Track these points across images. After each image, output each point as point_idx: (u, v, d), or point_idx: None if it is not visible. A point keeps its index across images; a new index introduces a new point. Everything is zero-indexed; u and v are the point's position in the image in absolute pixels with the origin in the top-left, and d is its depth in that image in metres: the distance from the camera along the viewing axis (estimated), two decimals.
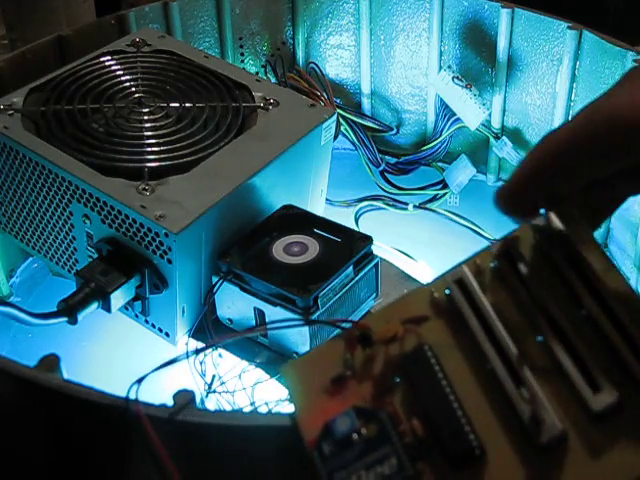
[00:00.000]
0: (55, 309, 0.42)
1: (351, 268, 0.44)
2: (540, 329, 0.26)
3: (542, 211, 0.28)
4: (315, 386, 0.27)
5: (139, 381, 0.27)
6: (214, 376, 0.41)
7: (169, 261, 0.42)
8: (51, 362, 0.29)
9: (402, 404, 0.26)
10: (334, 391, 0.27)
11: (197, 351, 0.37)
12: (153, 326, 0.46)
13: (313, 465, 0.25)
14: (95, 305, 0.42)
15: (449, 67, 0.62)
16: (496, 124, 0.62)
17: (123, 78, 0.51)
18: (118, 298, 0.43)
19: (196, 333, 0.46)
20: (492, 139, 0.62)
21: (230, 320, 0.46)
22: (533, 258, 0.28)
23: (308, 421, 0.27)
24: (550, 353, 0.26)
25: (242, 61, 0.65)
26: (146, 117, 0.48)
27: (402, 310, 0.28)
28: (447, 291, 0.28)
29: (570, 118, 0.49)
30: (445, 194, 0.61)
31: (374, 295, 0.47)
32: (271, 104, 0.50)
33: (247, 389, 0.40)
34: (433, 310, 0.28)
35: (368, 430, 0.25)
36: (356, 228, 0.58)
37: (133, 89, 0.50)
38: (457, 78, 0.60)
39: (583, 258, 0.27)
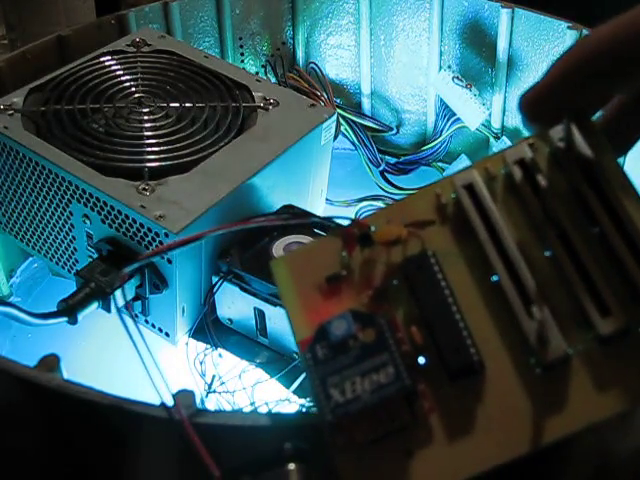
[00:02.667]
0: (55, 309, 0.42)
1: None
2: (550, 243, 0.25)
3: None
4: (308, 283, 0.26)
5: None
6: (214, 376, 0.41)
7: (169, 261, 0.42)
8: (51, 362, 0.29)
9: (400, 310, 0.25)
10: (328, 291, 0.26)
11: None
12: (153, 326, 0.46)
13: (305, 365, 0.25)
14: (95, 305, 0.42)
15: (449, 67, 0.62)
16: (496, 124, 0.62)
17: (123, 78, 0.51)
18: (118, 298, 0.43)
19: (196, 333, 0.46)
20: (492, 139, 0.62)
21: (230, 320, 0.46)
22: (547, 169, 0.26)
23: (300, 320, 0.26)
24: (559, 269, 0.24)
25: (242, 61, 0.65)
26: (146, 117, 0.48)
27: (405, 211, 0.26)
28: (453, 195, 0.26)
29: None
30: None
31: None
32: (271, 104, 0.50)
33: (247, 389, 0.41)
34: (438, 215, 0.26)
35: (365, 335, 0.24)
36: None
37: (133, 89, 0.50)
38: (457, 78, 0.60)
39: (601, 175, 0.25)
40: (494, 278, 0.25)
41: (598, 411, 0.23)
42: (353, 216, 0.60)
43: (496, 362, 0.24)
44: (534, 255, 0.25)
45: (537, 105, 0.27)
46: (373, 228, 0.26)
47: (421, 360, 0.24)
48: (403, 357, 0.24)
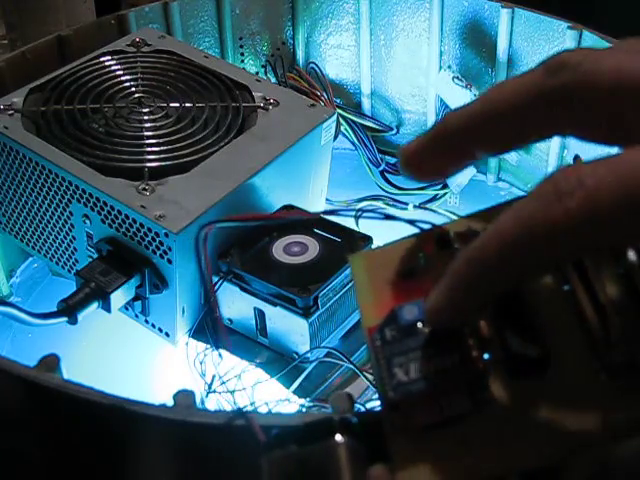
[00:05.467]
0: (55, 309, 0.42)
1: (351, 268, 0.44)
2: (625, 263, 0.24)
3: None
4: (382, 278, 0.27)
5: None
6: (214, 376, 0.41)
7: (169, 261, 0.42)
8: (51, 362, 0.29)
9: None
10: (402, 285, 0.26)
11: None
12: (153, 326, 0.46)
13: (372, 349, 0.25)
14: (95, 305, 0.42)
15: (449, 67, 0.62)
16: None
17: (123, 78, 0.51)
18: (118, 298, 0.43)
19: (196, 333, 0.46)
20: None
21: (230, 320, 0.46)
22: None
23: (371, 310, 0.26)
24: (629, 284, 0.24)
25: (242, 61, 0.65)
26: (146, 117, 0.48)
27: (485, 219, 0.27)
28: None
29: None
30: (445, 194, 0.61)
31: None
32: (271, 104, 0.50)
33: (247, 389, 0.41)
34: None
35: None
36: (356, 228, 0.58)
37: (133, 89, 0.50)
38: (457, 78, 0.60)
39: None
40: (566, 287, 0.25)
41: None
42: (353, 216, 0.60)
43: (561, 363, 0.24)
44: (608, 271, 0.25)
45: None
46: (452, 234, 0.27)
47: (485, 356, 0.24)
48: (469, 349, 0.24)
